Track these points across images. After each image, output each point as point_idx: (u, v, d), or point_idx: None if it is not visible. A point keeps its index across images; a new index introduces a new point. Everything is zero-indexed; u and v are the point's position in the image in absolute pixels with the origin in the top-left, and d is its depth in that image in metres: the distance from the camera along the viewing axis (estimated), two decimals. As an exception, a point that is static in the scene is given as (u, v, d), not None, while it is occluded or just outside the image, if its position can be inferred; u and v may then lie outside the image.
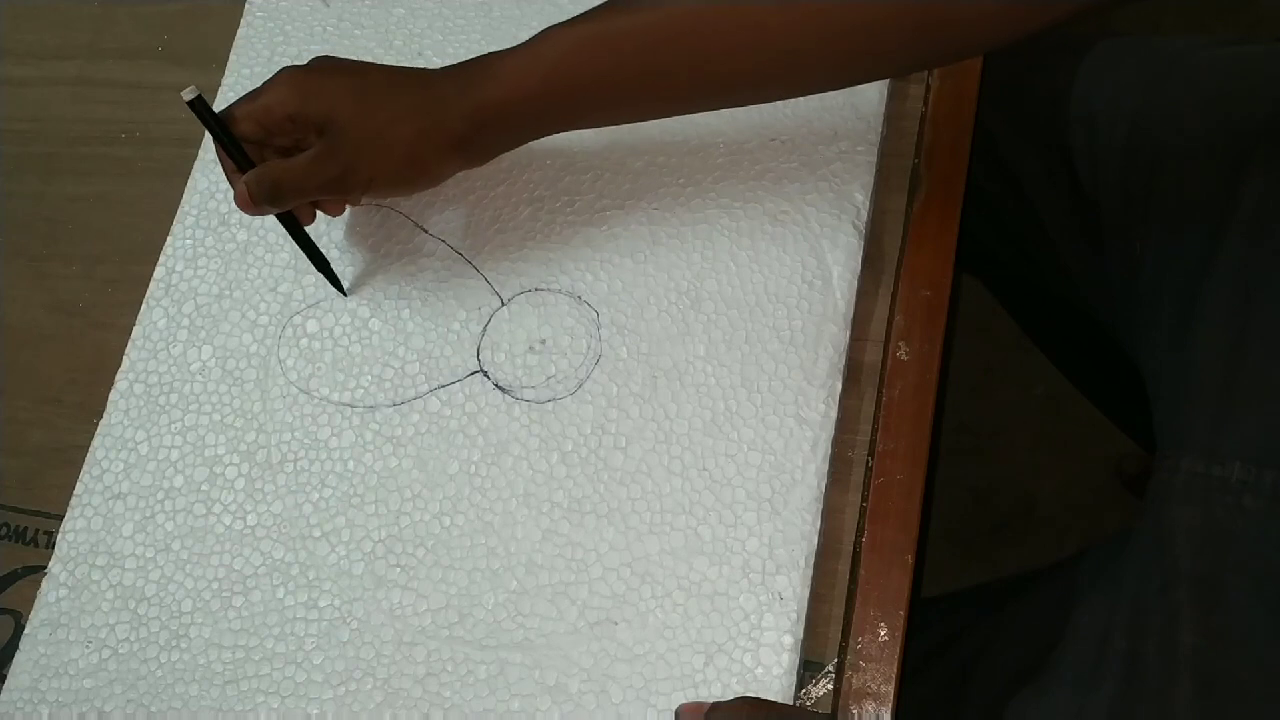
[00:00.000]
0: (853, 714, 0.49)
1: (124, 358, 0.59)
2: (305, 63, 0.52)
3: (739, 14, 0.46)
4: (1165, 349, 0.58)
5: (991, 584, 0.69)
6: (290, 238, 0.56)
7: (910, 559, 0.51)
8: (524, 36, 0.62)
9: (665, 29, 0.47)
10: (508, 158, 0.54)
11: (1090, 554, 0.61)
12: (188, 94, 0.51)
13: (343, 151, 0.49)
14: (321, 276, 0.58)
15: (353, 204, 0.58)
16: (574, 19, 0.49)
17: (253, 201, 0.51)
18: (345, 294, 0.59)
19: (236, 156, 0.52)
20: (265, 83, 0.51)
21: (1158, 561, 0.54)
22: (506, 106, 0.49)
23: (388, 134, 0.49)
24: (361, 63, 0.52)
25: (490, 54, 0.50)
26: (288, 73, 0.51)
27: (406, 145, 0.49)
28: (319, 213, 0.56)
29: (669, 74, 0.48)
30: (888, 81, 0.58)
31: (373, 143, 0.49)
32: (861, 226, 0.56)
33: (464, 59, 0.51)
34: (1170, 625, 0.52)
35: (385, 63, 0.52)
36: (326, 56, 0.52)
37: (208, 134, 0.63)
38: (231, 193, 0.61)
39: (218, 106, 0.64)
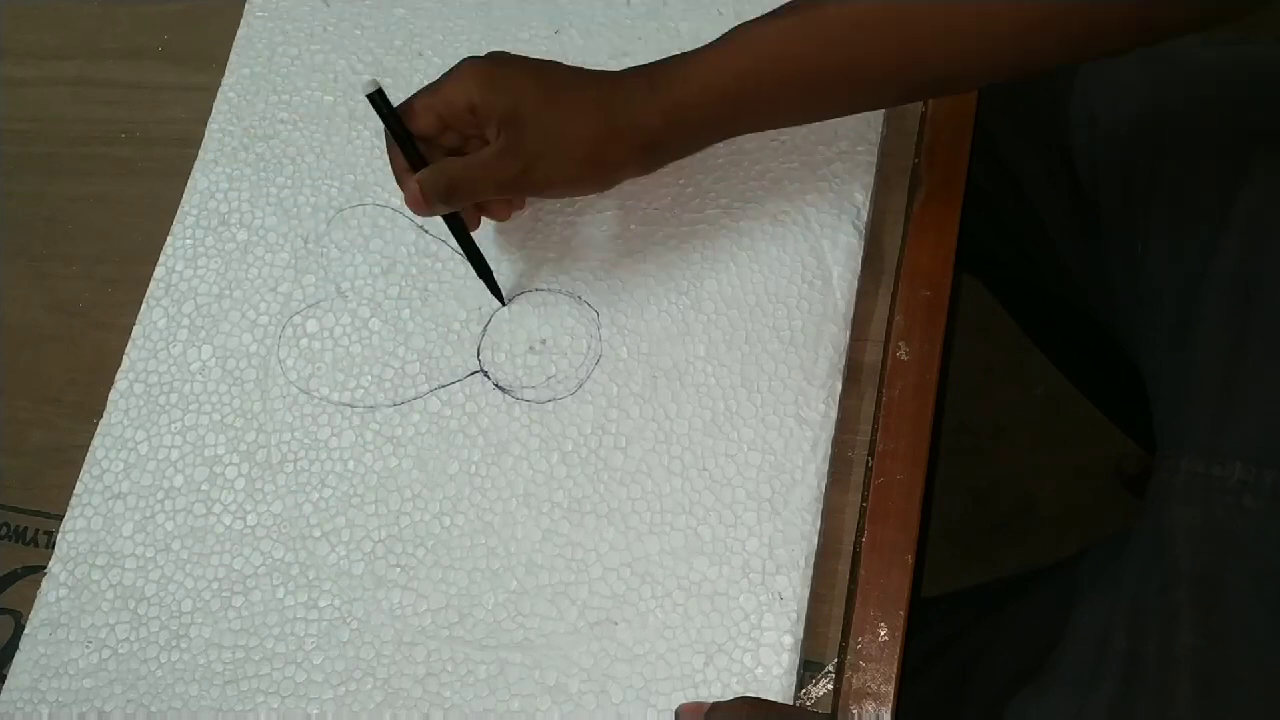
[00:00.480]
0: (853, 714, 0.49)
1: (124, 357, 0.59)
2: (483, 55, 0.50)
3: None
4: (1165, 349, 0.58)
5: (991, 584, 0.69)
6: (457, 242, 0.55)
7: (910, 559, 0.51)
8: (525, 36, 0.63)
9: (873, 17, 0.46)
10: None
11: (1090, 554, 0.61)
12: (368, 87, 0.50)
13: (525, 147, 0.48)
14: (481, 283, 0.57)
15: (519, 206, 0.56)
16: (767, 15, 0.47)
17: (425, 201, 0.50)
18: (504, 303, 0.57)
19: (410, 153, 0.50)
20: (445, 74, 0.50)
21: (1157, 561, 0.54)
22: (702, 106, 0.48)
23: (573, 130, 0.48)
24: (544, 60, 0.51)
25: (680, 55, 0.49)
26: (470, 62, 0.50)
27: (591, 144, 0.48)
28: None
29: (873, 66, 0.47)
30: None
31: (557, 139, 0.48)
32: (861, 226, 0.56)
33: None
34: (1170, 625, 0.52)
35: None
36: (503, 52, 0.50)
37: (208, 133, 0.64)
38: (231, 192, 0.62)
39: (217, 106, 0.64)
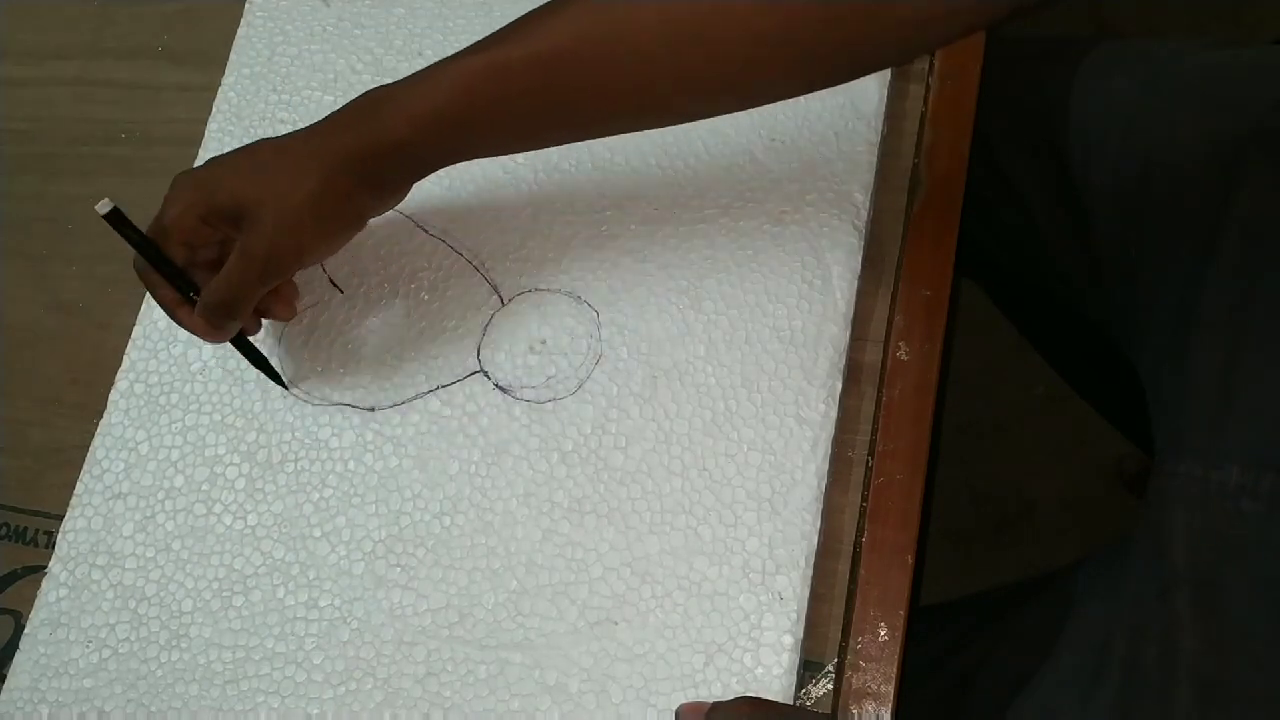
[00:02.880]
0: (853, 714, 0.49)
1: (125, 357, 0.59)
2: (192, 167, 0.51)
3: (626, 35, 0.44)
4: (1163, 353, 0.58)
5: (990, 592, 0.69)
6: (239, 351, 0.56)
7: (910, 559, 0.51)
8: (524, 36, 0.63)
9: (556, 57, 0.45)
10: (507, 158, 0.54)
11: (1089, 561, 0.61)
12: (103, 207, 0.50)
13: (261, 233, 0.48)
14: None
15: (294, 298, 0.56)
16: (469, 48, 0.48)
17: (214, 326, 0.51)
18: (286, 388, 0.58)
19: (176, 277, 0.51)
20: (164, 201, 0.51)
21: (1157, 566, 0.54)
22: (403, 142, 0.47)
23: (296, 195, 0.48)
24: (249, 144, 0.51)
25: (380, 89, 0.48)
26: (181, 177, 0.51)
27: (317, 200, 0.48)
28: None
29: (565, 103, 0.47)
30: (888, 81, 0.59)
31: (286, 210, 0.48)
32: (862, 226, 0.56)
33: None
34: (1170, 630, 0.52)
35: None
36: (215, 157, 0.52)
37: (207, 133, 0.64)
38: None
39: (217, 105, 0.64)
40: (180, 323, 0.52)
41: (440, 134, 0.48)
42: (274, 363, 0.57)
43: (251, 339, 0.56)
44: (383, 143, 0.48)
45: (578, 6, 0.45)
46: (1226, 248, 0.55)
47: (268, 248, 0.49)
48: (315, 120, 0.50)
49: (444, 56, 0.48)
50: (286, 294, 0.55)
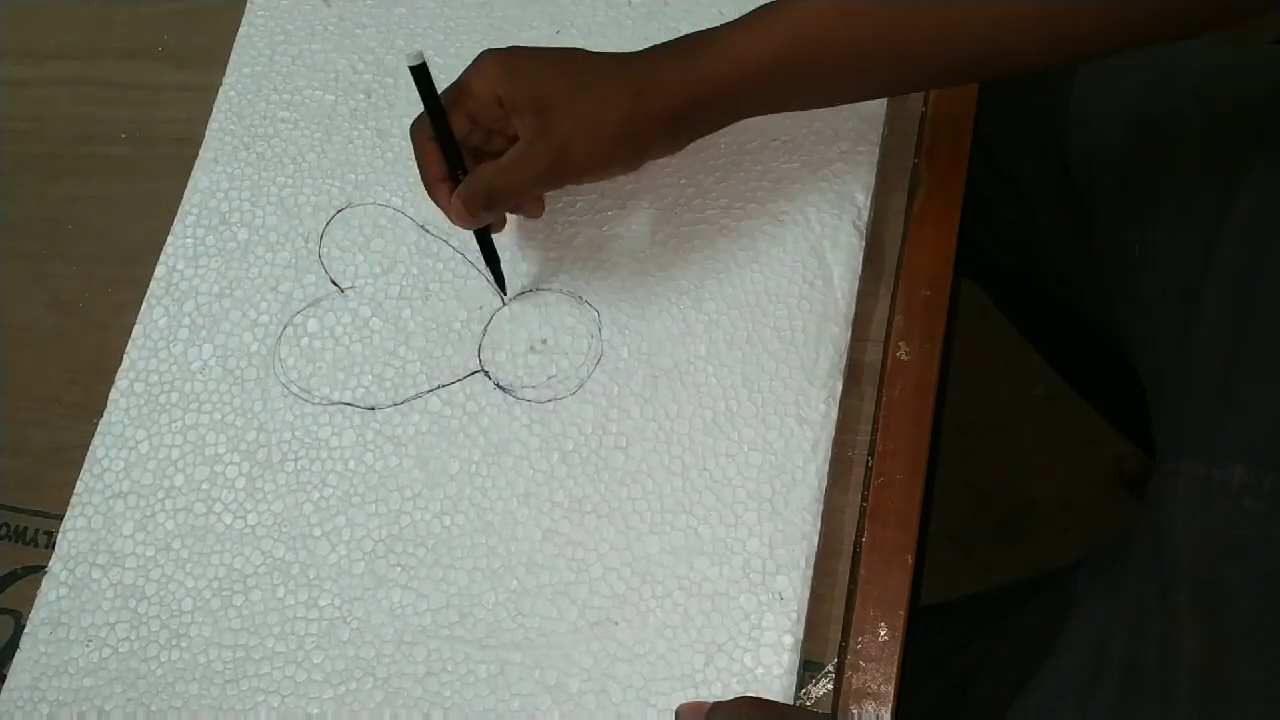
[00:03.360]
0: (853, 714, 0.49)
1: (125, 356, 0.59)
2: (502, 48, 0.50)
3: None
4: (1164, 352, 0.58)
5: (990, 592, 0.69)
6: (478, 242, 0.55)
7: (910, 559, 0.51)
8: (525, 36, 0.63)
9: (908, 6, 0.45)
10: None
11: (1089, 561, 0.61)
12: (412, 59, 0.48)
13: (556, 133, 0.48)
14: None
15: (551, 191, 0.56)
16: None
17: (471, 214, 0.50)
18: (505, 301, 0.57)
19: (450, 150, 0.50)
20: (468, 69, 0.50)
21: (1157, 565, 0.54)
22: (732, 82, 0.47)
23: (603, 111, 0.47)
24: (565, 47, 0.50)
25: (707, 31, 0.48)
26: (491, 54, 0.49)
27: (619, 125, 0.48)
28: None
29: (907, 49, 0.46)
30: (888, 81, 0.59)
31: (586, 122, 0.48)
32: (862, 226, 0.56)
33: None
34: (1171, 629, 0.52)
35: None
36: (521, 46, 0.50)
37: (208, 132, 0.64)
38: (232, 191, 0.62)
39: (218, 105, 0.64)
40: (437, 198, 0.51)
41: (772, 76, 0.47)
42: (277, 362, 0.57)
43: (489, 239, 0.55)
44: (711, 82, 0.47)
45: None
46: (1228, 247, 0.55)
47: (557, 154, 0.48)
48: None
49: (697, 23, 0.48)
50: (539, 194, 0.55)
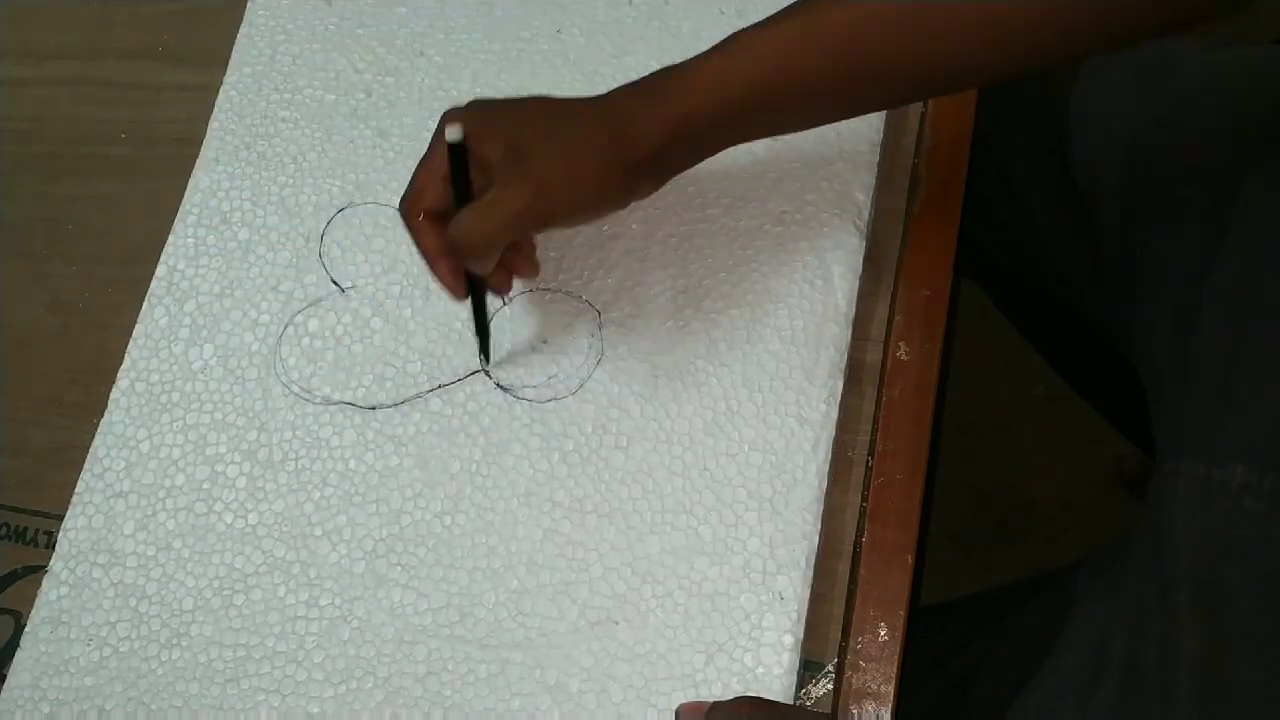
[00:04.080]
0: (853, 714, 0.49)
1: (125, 356, 0.59)
2: (464, 104, 0.48)
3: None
4: (1165, 352, 0.58)
5: (990, 593, 0.69)
6: (472, 304, 0.53)
7: (910, 559, 0.51)
8: (526, 36, 0.63)
9: (877, 18, 0.45)
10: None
11: (1089, 561, 0.61)
12: (452, 133, 0.46)
13: (533, 169, 0.46)
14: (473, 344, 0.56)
15: (533, 233, 0.53)
16: (766, 20, 0.46)
17: (459, 266, 0.49)
18: (486, 370, 0.56)
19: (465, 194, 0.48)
20: (435, 133, 0.48)
21: (1157, 566, 0.54)
22: (706, 116, 0.46)
23: (581, 150, 0.46)
24: (531, 96, 0.49)
25: (676, 66, 0.47)
26: (453, 112, 0.48)
27: (597, 167, 0.46)
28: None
29: (878, 68, 0.46)
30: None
31: (564, 160, 0.46)
32: (863, 226, 0.56)
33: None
34: (1171, 630, 0.52)
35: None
36: (485, 99, 0.49)
37: (209, 132, 0.64)
38: (233, 191, 0.62)
39: (219, 104, 0.64)
40: (441, 273, 0.50)
41: (746, 106, 0.46)
42: (278, 361, 0.57)
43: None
44: (684, 119, 0.46)
45: None
46: (1229, 247, 0.55)
47: (536, 186, 0.46)
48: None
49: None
50: (528, 251, 0.53)
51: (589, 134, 0.46)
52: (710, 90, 0.46)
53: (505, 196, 0.46)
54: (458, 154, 0.47)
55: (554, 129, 0.47)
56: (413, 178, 0.50)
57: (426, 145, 0.50)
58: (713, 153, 0.50)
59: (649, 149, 0.47)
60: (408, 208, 0.50)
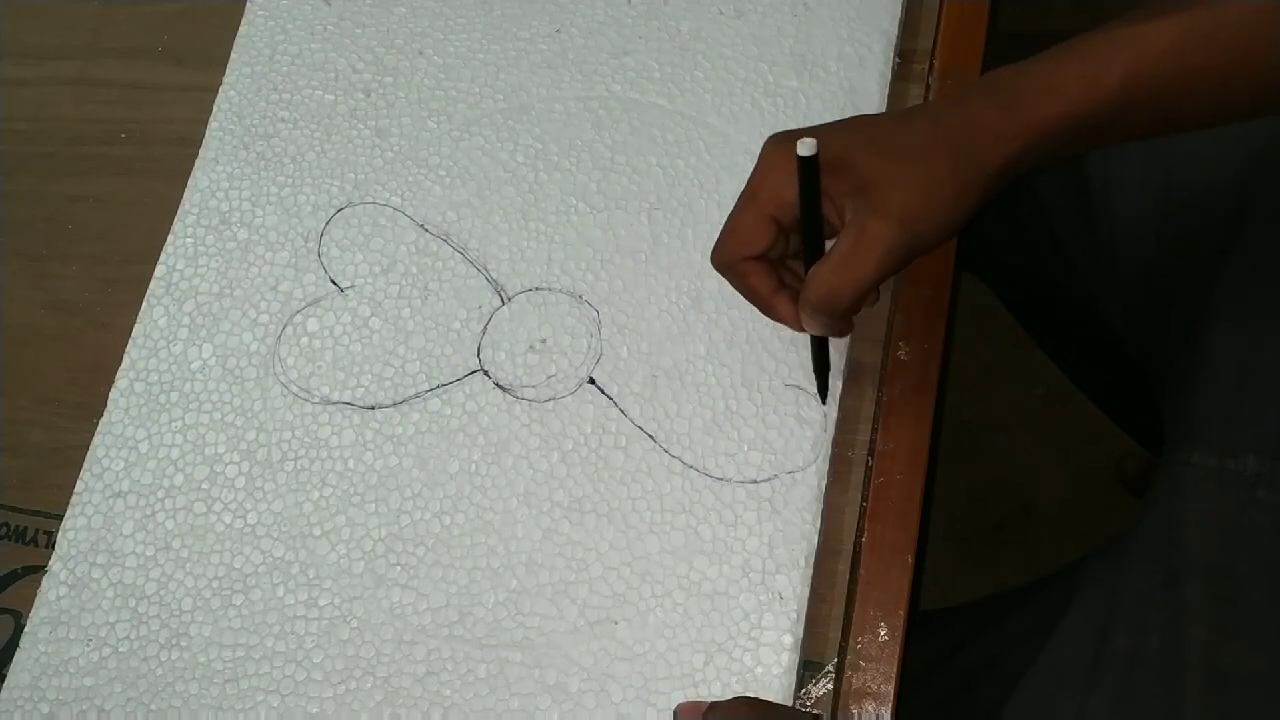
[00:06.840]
0: (852, 714, 0.49)
1: (125, 356, 0.59)
2: (780, 132, 0.44)
3: None
4: (1178, 343, 0.58)
5: (992, 596, 0.69)
6: (812, 346, 0.51)
7: (910, 559, 0.51)
8: (525, 35, 0.63)
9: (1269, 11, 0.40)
10: (506, 156, 0.54)
11: (1090, 558, 0.61)
12: (804, 148, 0.40)
13: (890, 206, 0.41)
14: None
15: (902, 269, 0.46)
16: (1131, 18, 0.42)
17: (817, 326, 0.44)
18: (824, 402, 0.52)
19: (815, 248, 0.44)
20: (755, 170, 0.44)
21: (1163, 556, 0.54)
22: (1072, 120, 0.42)
23: (930, 178, 0.41)
24: (856, 117, 0.45)
25: (1010, 69, 0.43)
26: (776, 144, 0.44)
27: (954, 186, 0.42)
28: None
29: (1267, 71, 0.41)
30: (889, 81, 0.58)
31: (915, 187, 0.41)
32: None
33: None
34: (1176, 620, 0.52)
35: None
36: (779, 133, 0.44)
37: (208, 132, 0.64)
38: (232, 190, 0.62)
39: (218, 104, 0.64)
40: (780, 314, 0.46)
41: (1116, 109, 0.42)
42: (277, 361, 0.57)
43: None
44: (1045, 122, 0.42)
45: None
46: (1246, 242, 0.55)
47: (900, 224, 0.41)
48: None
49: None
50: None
51: (936, 152, 0.42)
52: (1078, 92, 0.42)
53: (868, 239, 0.42)
54: (810, 172, 0.41)
55: (894, 152, 0.42)
56: (727, 224, 0.45)
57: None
58: (1061, 160, 0.46)
59: (1003, 159, 0.42)
60: (729, 254, 0.45)
